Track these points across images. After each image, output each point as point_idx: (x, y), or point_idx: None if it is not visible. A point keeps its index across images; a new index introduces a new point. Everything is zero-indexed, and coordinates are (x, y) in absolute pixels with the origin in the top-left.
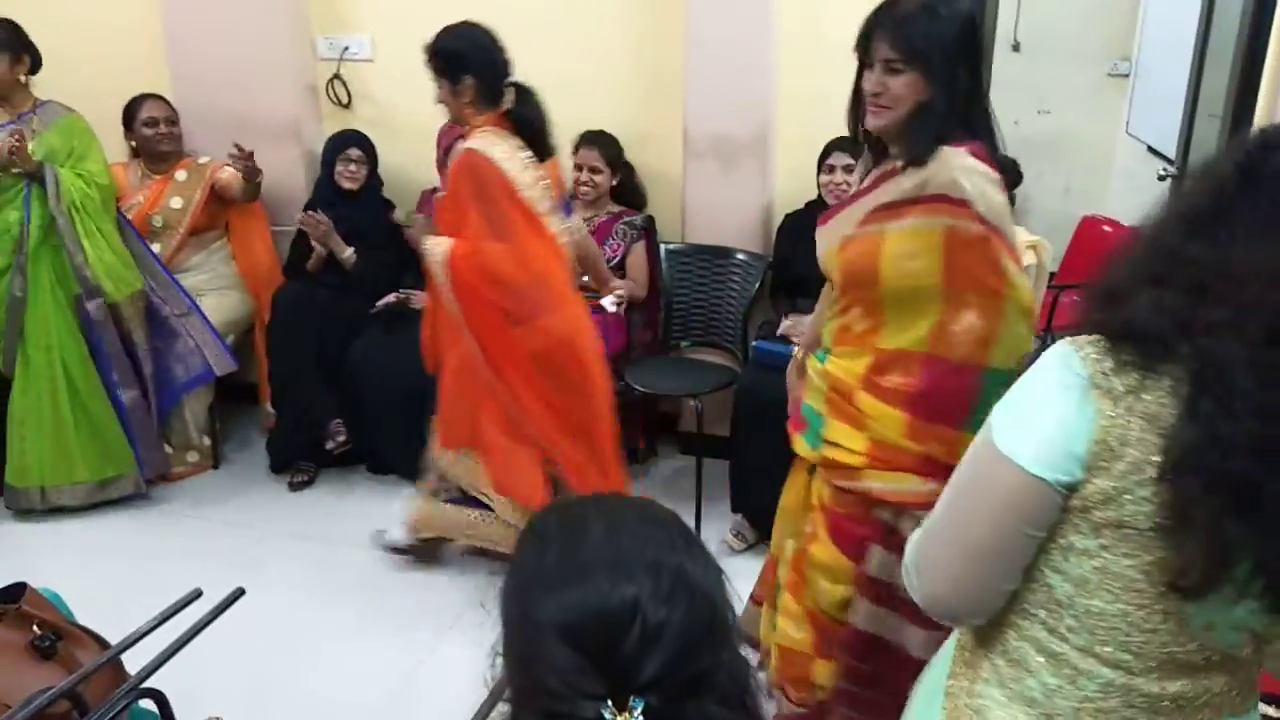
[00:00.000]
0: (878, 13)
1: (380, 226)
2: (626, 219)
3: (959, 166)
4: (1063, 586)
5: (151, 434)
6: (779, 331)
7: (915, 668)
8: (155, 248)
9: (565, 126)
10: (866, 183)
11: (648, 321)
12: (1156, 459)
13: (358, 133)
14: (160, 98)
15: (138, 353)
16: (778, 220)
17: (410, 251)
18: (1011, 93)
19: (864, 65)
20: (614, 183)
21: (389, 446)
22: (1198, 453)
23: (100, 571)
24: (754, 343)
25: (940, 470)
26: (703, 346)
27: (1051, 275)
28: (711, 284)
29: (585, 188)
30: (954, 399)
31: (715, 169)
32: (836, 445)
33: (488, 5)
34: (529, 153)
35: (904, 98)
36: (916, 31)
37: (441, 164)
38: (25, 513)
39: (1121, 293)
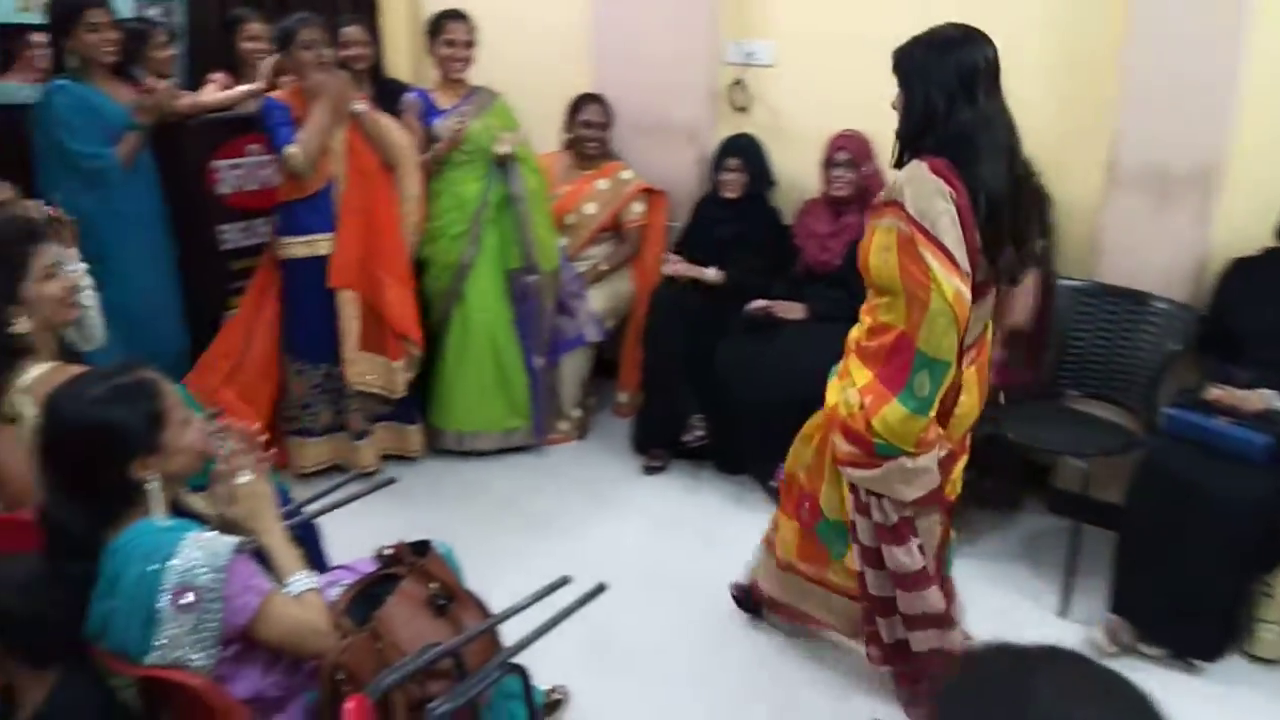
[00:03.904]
0: None
1: (758, 236)
2: None
3: (907, 177)
4: None
5: (549, 398)
6: (1205, 397)
7: None
8: (560, 241)
9: None
10: None
11: (1028, 360)
12: None
13: (742, 139)
14: (601, 101)
15: (545, 322)
16: (1215, 267)
17: (784, 259)
18: None
19: None
20: None
21: (745, 449)
22: None
23: (487, 516)
24: (1166, 409)
25: (856, 439)
26: (1095, 399)
27: None
28: (1119, 332)
29: None
30: (901, 364)
31: (1144, 203)
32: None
33: (894, 20)
34: None
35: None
36: (899, 51)
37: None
38: (441, 451)
39: None
